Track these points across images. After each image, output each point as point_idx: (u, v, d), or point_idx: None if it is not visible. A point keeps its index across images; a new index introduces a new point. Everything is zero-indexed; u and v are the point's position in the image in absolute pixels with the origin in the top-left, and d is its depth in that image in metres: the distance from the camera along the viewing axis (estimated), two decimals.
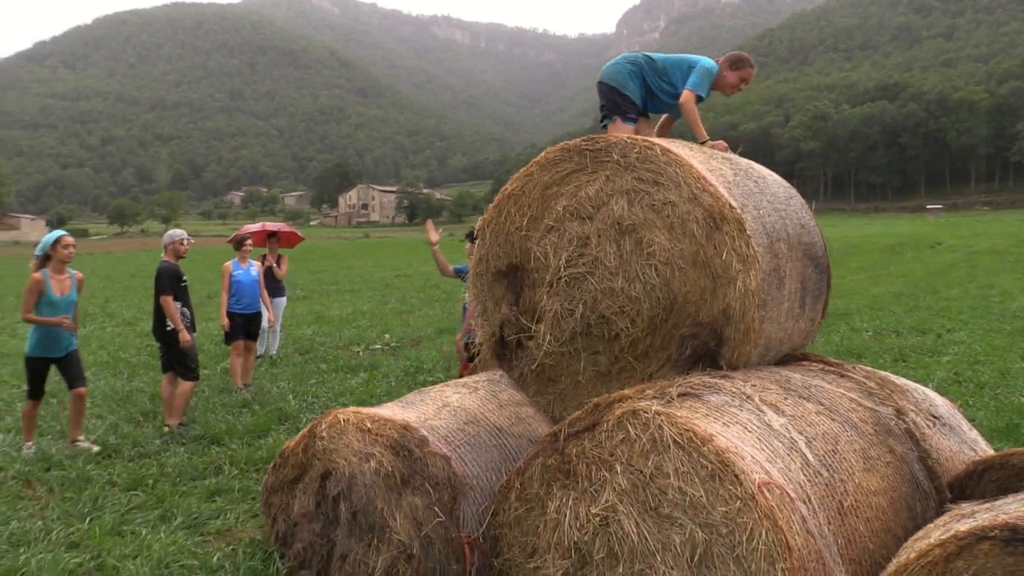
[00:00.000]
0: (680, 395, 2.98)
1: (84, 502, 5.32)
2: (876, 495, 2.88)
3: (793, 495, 2.59)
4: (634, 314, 3.54)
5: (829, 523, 2.66)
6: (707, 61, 4.25)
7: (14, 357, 11.23)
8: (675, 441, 2.73)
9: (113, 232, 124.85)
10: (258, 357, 10.14)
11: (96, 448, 6.50)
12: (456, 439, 3.83)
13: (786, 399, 3.10)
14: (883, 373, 3.86)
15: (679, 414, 2.80)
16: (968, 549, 2.12)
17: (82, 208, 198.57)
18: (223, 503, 5.36)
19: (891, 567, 2.33)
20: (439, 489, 3.52)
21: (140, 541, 4.67)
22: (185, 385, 7.23)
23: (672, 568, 2.74)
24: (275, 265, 10.81)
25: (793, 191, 4.08)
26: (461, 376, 6.31)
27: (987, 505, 2.50)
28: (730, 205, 3.30)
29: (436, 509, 3.48)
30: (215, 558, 4.42)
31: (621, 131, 4.18)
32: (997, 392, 7.62)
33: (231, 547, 4.59)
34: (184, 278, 7.37)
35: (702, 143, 4.07)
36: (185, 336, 7.09)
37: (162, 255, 7.46)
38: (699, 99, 4.19)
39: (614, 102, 4.30)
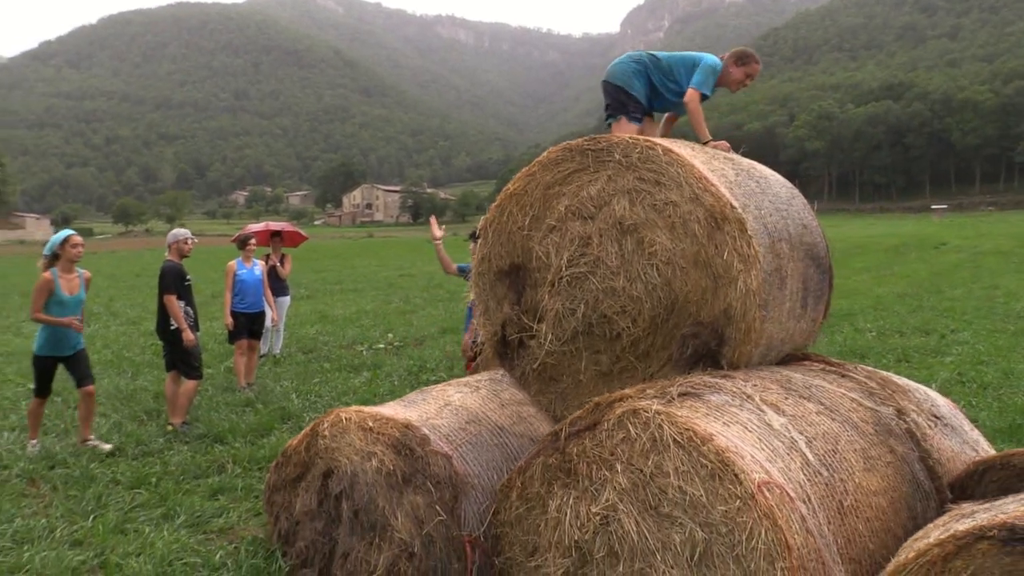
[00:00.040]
0: (681, 394, 2.99)
1: (88, 500, 5.34)
2: (876, 495, 2.88)
3: (793, 494, 2.59)
4: (635, 314, 3.55)
5: (829, 523, 2.66)
6: (711, 58, 4.23)
7: (19, 356, 11.27)
8: (675, 440, 2.74)
9: (118, 231, 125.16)
10: (262, 356, 10.16)
11: (107, 447, 6.50)
12: (458, 438, 3.84)
13: (787, 399, 3.11)
14: (884, 373, 3.86)
15: (679, 413, 2.81)
16: (966, 549, 2.12)
17: (87, 207, 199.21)
18: (226, 501, 5.38)
19: (890, 566, 2.34)
20: (440, 488, 3.53)
21: (143, 539, 4.69)
22: (188, 384, 7.25)
23: (672, 567, 2.75)
24: (279, 264, 10.84)
25: (795, 191, 4.08)
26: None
27: (986, 505, 2.50)
28: (731, 205, 3.30)
29: (437, 508, 3.49)
30: (218, 556, 4.44)
31: (626, 130, 4.17)
32: (1000, 393, 7.61)
33: (234, 545, 4.61)
34: (188, 277, 7.40)
35: (704, 143, 4.07)
36: (188, 335, 7.11)
37: (166, 254, 7.48)
38: (704, 97, 4.18)
39: (619, 101, 4.28)
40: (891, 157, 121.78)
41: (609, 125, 4.39)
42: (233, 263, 9.06)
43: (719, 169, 3.58)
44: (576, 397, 3.75)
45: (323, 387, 8.81)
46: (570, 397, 3.80)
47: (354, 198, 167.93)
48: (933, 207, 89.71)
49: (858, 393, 3.36)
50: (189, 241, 7.57)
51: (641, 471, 2.85)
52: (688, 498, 2.71)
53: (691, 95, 4.13)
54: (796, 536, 2.49)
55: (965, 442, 3.63)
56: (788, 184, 4.11)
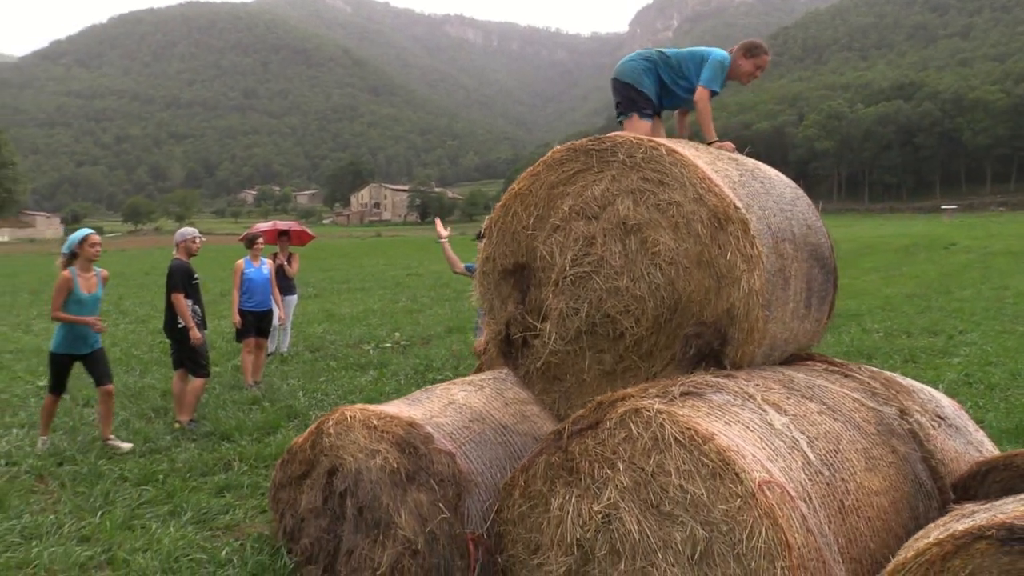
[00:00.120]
0: (683, 394, 3.00)
1: (95, 496, 5.38)
2: (878, 495, 2.89)
3: (793, 494, 2.60)
4: (639, 313, 3.56)
5: (830, 522, 2.67)
6: (718, 53, 4.19)
7: (28, 353, 11.36)
8: (676, 439, 2.75)
9: (127, 230, 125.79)
10: (269, 354, 10.21)
11: (127, 446, 6.49)
12: (461, 436, 3.86)
13: (789, 399, 3.11)
14: (889, 374, 3.86)
15: (681, 413, 2.82)
16: (965, 548, 2.13)
17: (96, 206, 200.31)
18: (232, 499, 5.42)
19: (890, 566, 2.34)
20: (444, 486, 3.55)
21: (150, 535, 4.73)
22: (196, 382, 7.30)
23: (673, 565, 2.76)
24: (286, 263, 10.88)
25: (800, 192, 4.08)
26: None
27: (987, 505, 2.50)
28: (735, 205, 3.31)
29: (441, 505, 3.51)
30: (224, 552, 4.47)
31: (638, 127, 4.15)
32: (1008, 394, 7.58)
33: (239, 542, 4.64)
34: (196, 276, 7.44)
35: (710, 143, 4.07)
36: (195, 333, 7.15)
37: (174, 253, 7.53)
38: (713, 94, 4.17)
39: (630, 98, 4.25)
40: (901, 157, 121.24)
41: (620, 123, 4.36)
42: (241, 262, 9.11)
43: (723, 170, 3.59)
44: (579, 396, 3.76)
45: (329, 385, 8.85)
46: (574, 396, 3.81)
47: (362, 197, 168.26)
48: (943, 207, 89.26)
49: (861, 393, 3.36)
50: (197, 240, 7.61)
51: (643, 470, 2.86)
52: (689, 497, 2.72)
53: (701, 94, 4.12)
54: (797, 535, 2.50)
55: (969, 443, 3.62)
56: (793, 184, 4.11)
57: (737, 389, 3.08)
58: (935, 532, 2.36)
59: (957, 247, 30.75)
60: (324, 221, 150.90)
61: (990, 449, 3.69)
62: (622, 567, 2.90)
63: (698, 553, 2.70)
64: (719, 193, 3.33)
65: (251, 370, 8.92)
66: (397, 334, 12.64)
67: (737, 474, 2.59)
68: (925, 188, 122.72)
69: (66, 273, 6.36)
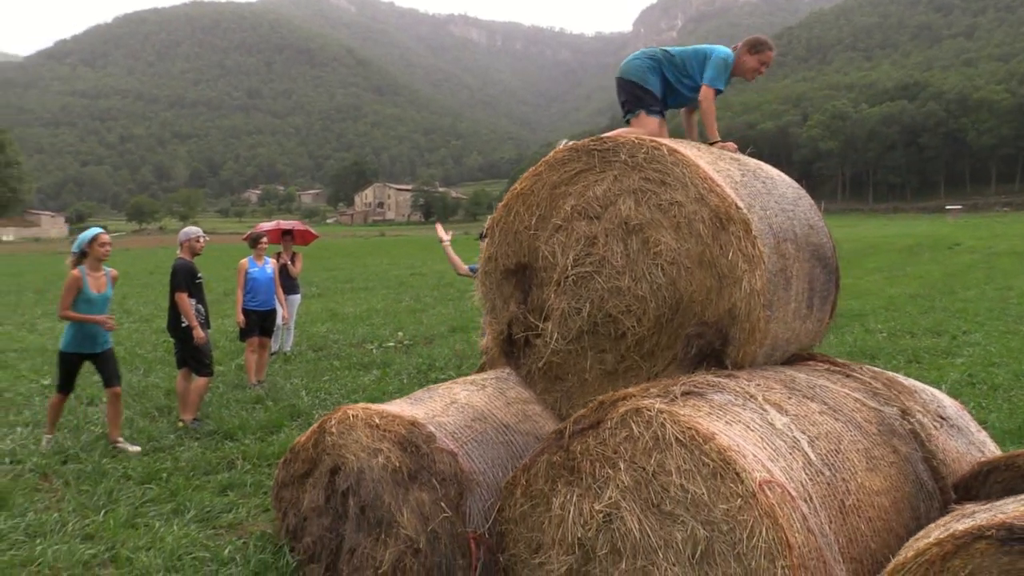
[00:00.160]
0: (684, 394, 3.00)
1: (99, 495, 5.40)
2: (879, 495, 2.89)
3: (794, 493, 2.60)
4: (640, 313, 3.56)
5: (830, 522, 2.67)
6: (721, 51, 4.16)
7: (32, 352, 11.40)
8: (677, 439, 2.76)
9: (132, 229, 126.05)
10: (272, 354, 10.23)
11: (135, 448, 6.48)
12: (463, 436, 3.87)
13: (790, 398, 3.12)
14: (891, 374, 3.86)
15: (682, 412, 2.82)
16: (965, 548, 2.13)
17: (101, 205, 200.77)
18: (235, 497, 5.43)
19: (890, 566, 2.34)
20: (446, 485, 3.55)
21: (153, 533, 4.75)
22: (199, 381, 7.32)
23: (674, 564, 2.76)
24: (289, 263, 10.90)
25: (802, 192, 4.08)
26: None
27: (988, 506, 2.51)
28: (736, 206, 3.31)
29: (443, 504, 3.52)
30: (226, 551, 4.48)
31: (647, 124, 4.12)
32: (1011, 394, 7.57)
33: (242, 540, 4.66)
34: (199, 275, 7.46)
35: (712, 143, 4.07)
36: (199, 333, 7.17)
37: (178, 252, 7.55)
38: (717, 92, 4.16)
39: (636, 96, 4.21)
40: (905, 157, 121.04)
41: (628, 122, 4.33)
42: (245, 261, 9.13)
43: (725, 170, 3.59)
44: (581, 396, 3.76)
45: (333, 385, 8.86)
46: (575, 395, 3.82)
47: (366, 197, 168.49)
48: (948, 207, 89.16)
49: (862, 393, 3.36)
50: (201, 239, 7.63)
51: (644, 469, 2.86)
52: (690, 496, 2.72)
53: (705, 93, 4.09)
54: (797, 535, 2.50)
55: (971, 443, 3.62)
56: (795, 185, 4.11)
57: (738, 389, 3.08)
58: (935, 532, 2.37)
59: (961, 247, 30.71)
60: (328, 221, 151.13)
61: (992, 450, 3.69)
62: (623, 566, 2.90)
63: (699, 552, 2.70)
64: (721, 193, 3.34)
65: (254, 369, 8.94)
66: (400, 333, 12.65)
67: (738, 474, 2.59)
68: (929, 188, 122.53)
69: (76, 272, 6.37)
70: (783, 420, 2.92)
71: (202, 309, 7.40)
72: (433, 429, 3.79)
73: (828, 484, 2.76)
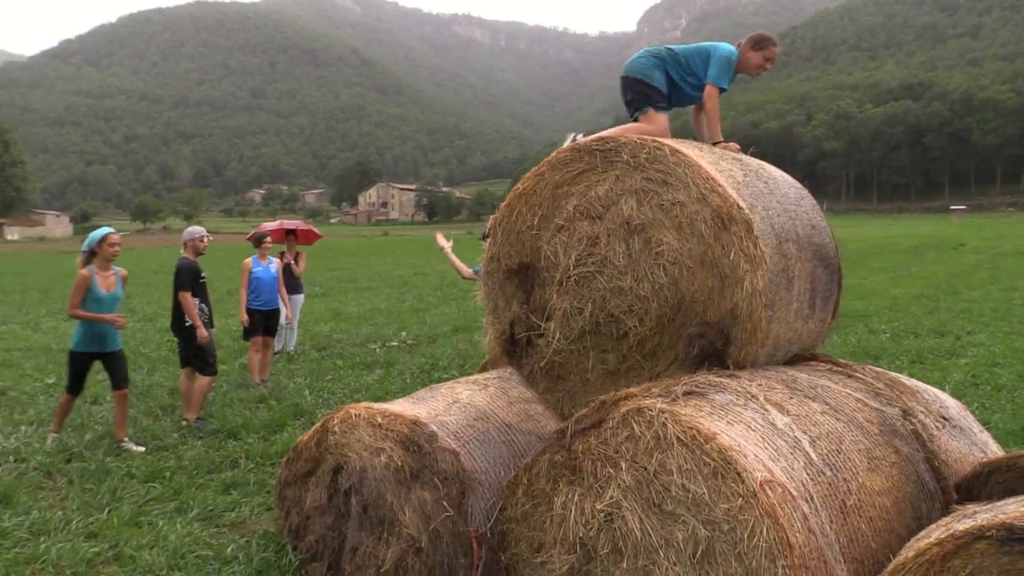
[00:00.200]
0: (685, 393, 3.00)
1: (103, 493, 5.42)
2: (880, 495, 2.89)
3: (795, 493, 2.61)
4: (642, 313, 3.56)
5: (831, 522, 2.67)
6: (725, 48, 4.13)
7: (36, 351, 11.44)
8: (678, 439, 2.76)
9: (136, 228, 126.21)
10: (276, 353, 10.25)
11: (140, 449, 6.48)
12: (465, 435, 3.87)
13: (791, 398, 3.12)
14: (893, 374, 3.86)
15: (683, 412, 2.83)
16: (965, 548, 2.13)
17: (105, 205, 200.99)
18: (238, 496, 5.45)
19: (891, 566, 2.35)
20: (448, 484, 3.56)
21: (157, 532, 4.76)
22: (203, 380, 7.34)
23: (675, 564, 2.77)
24: (293, 262, 10.92)
25: (804, 192, 4.08)
26: None
27: (989, 506, 2.51)
28: (738, 206, 3.31)
29: (445, 503, 3.53)
30: (229, 549, 4.50)
31: (657, 120, 4.08)
32: (1015, 395, 7.56)
33: (245, 539, 4.67)
34: (203, 274, 7.48)
35: (714, 143, 4.07)
36: (202, 332, 7.19)
37: (182, 251, 7.57)
38: (721, 91, 4.15)
39: (643, 94, 4.16)
40: (910, 157, 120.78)
41: (635, 120, 4.32)
42: (249, 261, 9.15)
43: (727, 170, 3.59)
44: (583, 395, 3.77)
45: (336, 384, 8.88)
46: (577, 395, 3.82)
47: (370, 196, 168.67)
48: (952, 208, 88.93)
49: (864, 393, 3.36)
50: (204, 239, 7.65)
51: (645, 469, 2.87)
52: (691, 496, 2.73)
53: (710, 92, 4.08)
54: (798, 535, 2.51)
55: (974, 444, 3.62)
56: (797, 185, 4.11)
57: (740, 389, 3.09)
58: (936, 532, 2.37)
59: (966, 248, 30.65)
60: (331, 220, 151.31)
61: (995, 450, 3.69)
62: (624, 566, 2.91)
63: (699, 552, 2.71)
64: (723, 193, 3.34)
65: (258, 368, 8.96)
66: (403, 333, 12.67)
67: (739, 473, 2.60)
68: (934, 188, 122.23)
69: (84, 271, 6.38)
70: (784, 420, 2.92)
71: (206, 308, 7.42)
72: (435, 428, 3.80)
73: (829, 484, 2.76)
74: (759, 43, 4.22)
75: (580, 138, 3.98)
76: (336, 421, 4.08)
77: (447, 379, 8.14)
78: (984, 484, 3.08)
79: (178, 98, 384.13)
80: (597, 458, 3.03)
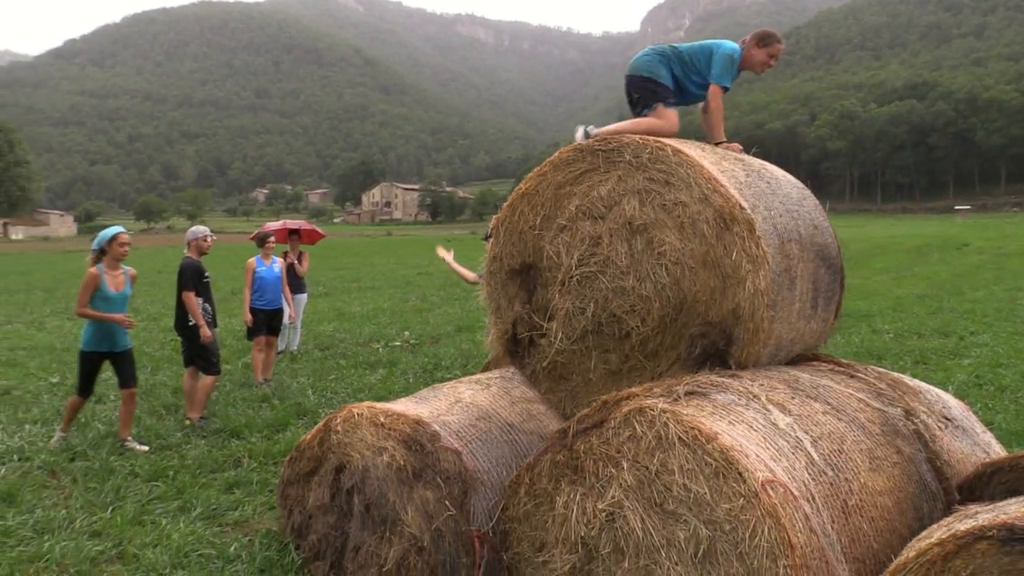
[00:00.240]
0: (687, 393, 3.01)
1: (107, 492, 5.44)
2: (881, 495, 2.89)
3: (796, 493, 2.61)
4: (644, 313, 3.57)
5: (833, 522, 2.68)
6: (727, 47, 4.11)
7: (41, 350, 11.47)
8: (680, 439, 2.76)
9: (140, 228, 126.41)
10: (279, 352, 10.26)
11: (144, 448, 6.49)
12: (468, 434, 3.88)
13: (793, 399, 3.12)
14: (895, 375, 3.86)
15: (685, 412, 2.83)
16: (966, 548, 2.13)
17: (109, 204, 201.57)
18: (241, 495, 5.46)
19: (892, 566, 2.35)
20: (450, 483, 3.57)
21: (160, 530, 4.78)
22: (206, 379, 7.35)
23: (676, 563, 2.77)
24: (296, 262, 10.93)
25: (807, 192, 4.07)
26: None
27: (990, 506, 2.51)
28: (740, 206, 3.32)
29: (447, 503, 3.54)
30: (232, 548, 4.51)
31: (667, 115, 4.03)
32: (1018, 396, 7.54)
33: (248, 538, 4.68)
34: (206, 274, 7.50)
35: (716, 144, 4.06)
36: (205, 331, 7.20)
37: (185, 251, 7.59)
38: (725, 90, 4.13)
39: (651, 91, 4.13)
40: (914, 157, 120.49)
41: (643, 116, 4.28)
42: (253, 260, 9.17)
43: (729, 170, 3.59)
44: (585, 395, 3.77)
45: (339, 384, 8.89)
46: (579, 395, 3.82)
47: (373, 196, 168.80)
48: (957, 208, 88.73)
49: (866, 394, 3.36)
50: (208, 238, 7.67)
51: (647, 468, 2.87)
52: (693, 496, 2.73)
53: (714, 92, 4.06)
54: (799, 535, 2.51)
55: (976, 444, 3.62)
56: (799, 185, 4.11)
57: (741, 389, 3.09)
58: (937, 532, 2.37)
59: (970, 248, 30.58)
60: (335, 220, 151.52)
61: (997, 451, 3.68)
62: (626, 565, 2.91)
63: (701, 552, 2.71)
64: (725, 193, 3.34)
65: (261, 368, 8.98)
66: (406, 333, 12.68)
67: (740, 473, 2.60)
68: (938, 188, 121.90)
69: (93, 270, 6.39)
70: (786, 420, 2.92)
71: (209, 308, 7.44)
72: (438, 428, 3.81)
73: (831, 484, 2.77)
74: (763, 40, 4.21)
75: (592, 130, 3.97)
76: (339, 420, 4.09)
77: (450, 379, 8.15)
78: (986, 484, 3.08)
79: (182, 98, 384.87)
80: (599, 458, 3.04)
